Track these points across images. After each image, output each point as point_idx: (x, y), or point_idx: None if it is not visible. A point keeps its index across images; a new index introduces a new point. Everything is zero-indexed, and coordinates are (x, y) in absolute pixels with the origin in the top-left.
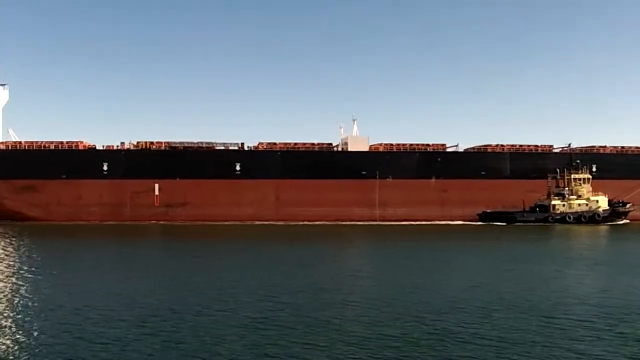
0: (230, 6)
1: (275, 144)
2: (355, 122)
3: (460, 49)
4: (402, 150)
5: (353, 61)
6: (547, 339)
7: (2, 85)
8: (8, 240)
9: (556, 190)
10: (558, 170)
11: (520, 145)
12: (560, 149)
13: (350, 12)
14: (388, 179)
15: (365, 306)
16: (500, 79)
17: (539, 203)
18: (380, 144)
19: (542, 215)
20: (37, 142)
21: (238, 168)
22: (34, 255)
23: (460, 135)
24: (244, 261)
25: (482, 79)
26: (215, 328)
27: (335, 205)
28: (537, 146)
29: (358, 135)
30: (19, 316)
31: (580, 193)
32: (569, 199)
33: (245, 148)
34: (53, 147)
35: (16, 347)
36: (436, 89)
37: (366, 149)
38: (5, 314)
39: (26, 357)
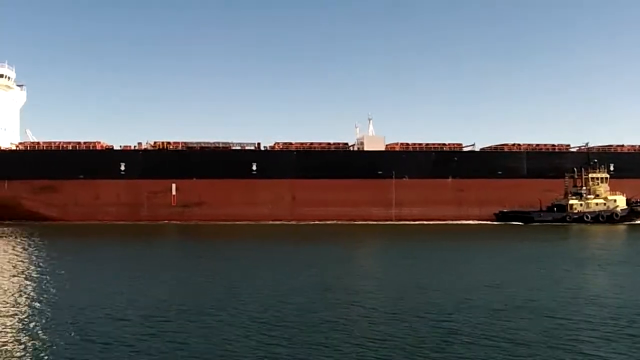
0: (246, 5)
1: (291, 143)
2: (371, 121)
3: (474, 48)
4: (418, 149)
5: (368, 61)
6: (554, 339)
7: (19, 86)
8: (19, 240)
9: (573, 190)
10: (575, 169)
11: (537, 145)
12: (577, 148)
13: (365, 12)
14: (404, 179)
15: (370, 306)
16: (514, 78)
17: (556, 203)
18: (397, 144)
19: (560, 214)
20: (55, 142)
21: (254, 168)
22: (45, 255)
23: (476, 135)
24: (255, 261)
25: (496, 78)
26: (222, 328)
27: (351, 205)
28: (554, 145)
29: (374, 135)
30: (24, 316)
31: (597, 192)
32: (587, 199)
33: (262, 148)
34: (71, 148)
35: (20, 347)
36: (451, 89)
37: (382, 148)
38: (10, 314)
39: (30, 357)
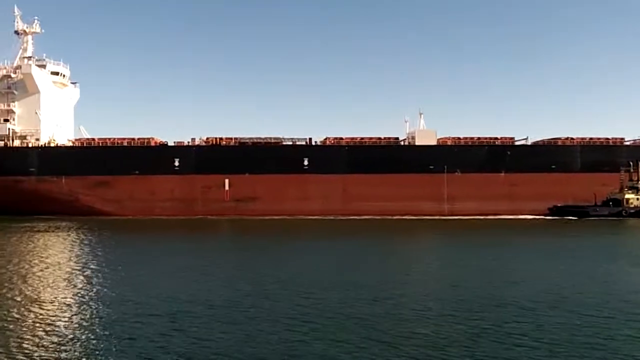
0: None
1: (342, 138)
2: (422, 115)
3: (524, 42)
4: (470, 143)
5: (417, 56)
6: (589, 338)
7: (73, 83)
8: (76, 234)
9: (629, 184)
10: (631, 163)
11: (591, 138)
12: (632, 142)
13: (412, 7)
14: (456, 173)
15: (399, 303)
16: (567, 71)
17: (611, 197)
18: (448, 138)
19: (616, 209)
20: (110, 138)
21: (306, 163)
22: (101, 249)
23: (527, 129)
24: (305, 256)
25: (548, 71)
26: (248, 324)
27: (403, 200)
28: (607, 139)
29: (425, 129)
30: (52, 307)
31: None
32: None
33: (313, 143)
34: (126, 144)
35: (45, 340)
36: (502, 82)
37: (434, 142)
38: (56, 305)
39: (49, 352)
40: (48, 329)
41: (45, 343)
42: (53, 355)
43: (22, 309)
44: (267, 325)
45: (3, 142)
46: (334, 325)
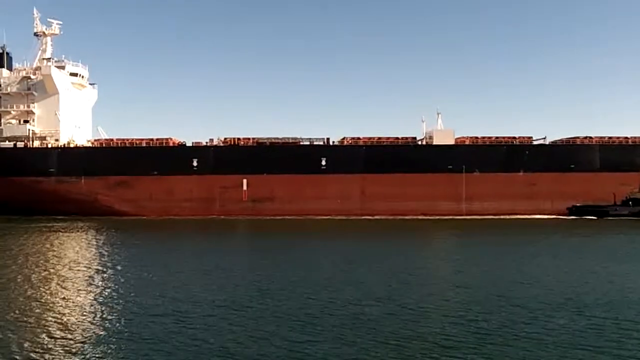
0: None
1: (359, 138)
2: (440, 115)
3: (539, 41)
4: (488, 143)
5: (432, 56)
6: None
7: (92, 85)
8: (94, 234)
9: None
10: None
11: (610, 137)
12: None
13: (429, 5)
14: (475, 173)
15: (404, 304)
16: (584, 70)
17: (631, 196)
18: (466, 137)
19: (636, 209)
20: (128, 139)
21: (323, 163)
22: (101, 249)
23: (544, 128)
24: (315, 256)
25: (564, 70)
26: (253, 324)
27: (421, 200)
28: (627, 138)
29: (443, 129)
30: (56, 309)
31: None
32: None
33: (330, 143)
34: (144, 144)
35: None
36: (518, 81)
37: (452, 142)
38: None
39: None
40: (49, 329)
41: (45, 343)
42: (54, 356)
43: (25, 308)
44: (273, 326)
45: (23, 143)
46: (340, 326)
